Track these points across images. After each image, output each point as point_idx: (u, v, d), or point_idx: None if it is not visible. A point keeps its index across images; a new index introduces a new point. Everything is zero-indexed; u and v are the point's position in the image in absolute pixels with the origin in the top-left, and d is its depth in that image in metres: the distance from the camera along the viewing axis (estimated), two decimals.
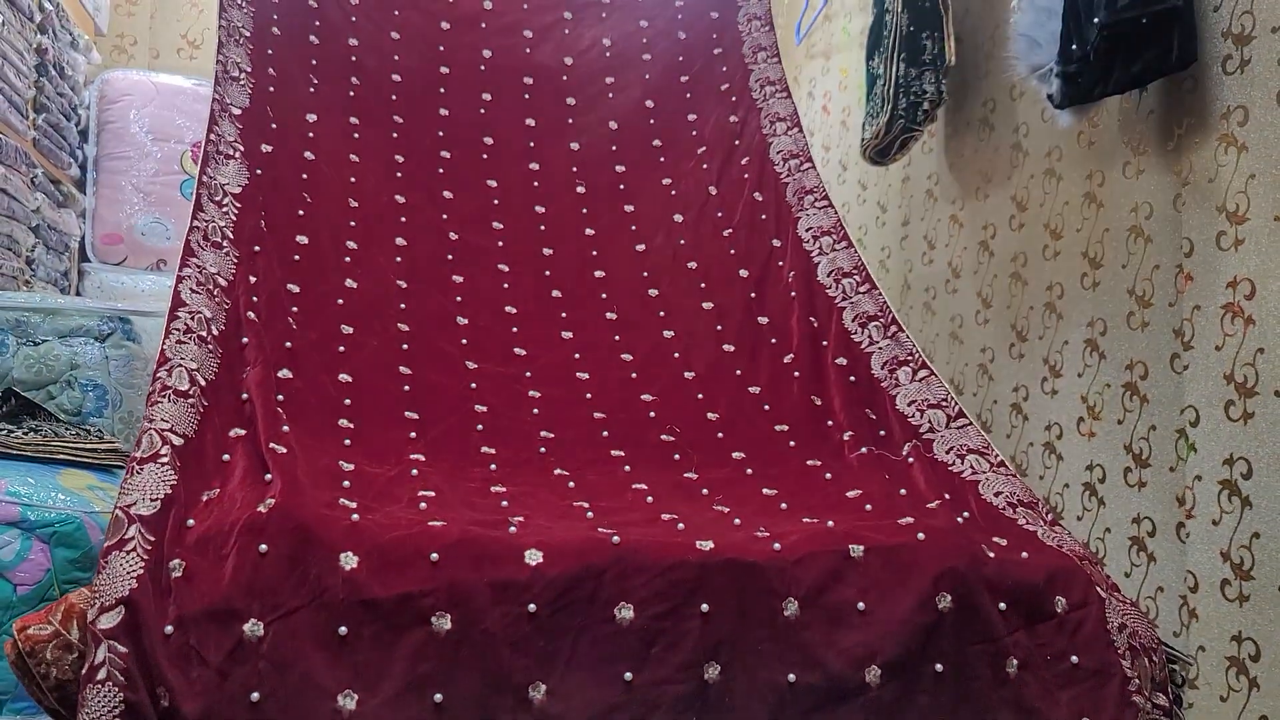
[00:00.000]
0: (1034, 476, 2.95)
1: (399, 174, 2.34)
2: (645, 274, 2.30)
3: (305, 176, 2.18)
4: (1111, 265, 2.56)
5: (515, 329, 2.10)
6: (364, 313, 1.98)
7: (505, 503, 1.58)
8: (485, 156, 2.46)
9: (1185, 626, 2.36)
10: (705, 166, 2.53)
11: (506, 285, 2.18)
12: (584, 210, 2.41)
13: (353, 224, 2.15)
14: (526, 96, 2.61)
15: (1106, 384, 2.59)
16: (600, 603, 1.35)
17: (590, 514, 1.57)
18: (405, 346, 1.98)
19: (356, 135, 2.37)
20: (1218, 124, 2.19)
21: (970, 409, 3.24)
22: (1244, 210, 2.10)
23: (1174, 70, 2.21)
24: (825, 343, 2.08)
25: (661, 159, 2.56)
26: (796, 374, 2.05)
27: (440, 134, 2.47)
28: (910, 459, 1.78)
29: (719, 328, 2.18)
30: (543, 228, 2.35)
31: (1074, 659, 1.45)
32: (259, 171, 2.09)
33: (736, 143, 2.55)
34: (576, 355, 2.09)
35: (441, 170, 2.40)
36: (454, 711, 1.27)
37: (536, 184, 2.45)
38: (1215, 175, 2.19)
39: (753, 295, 2.24)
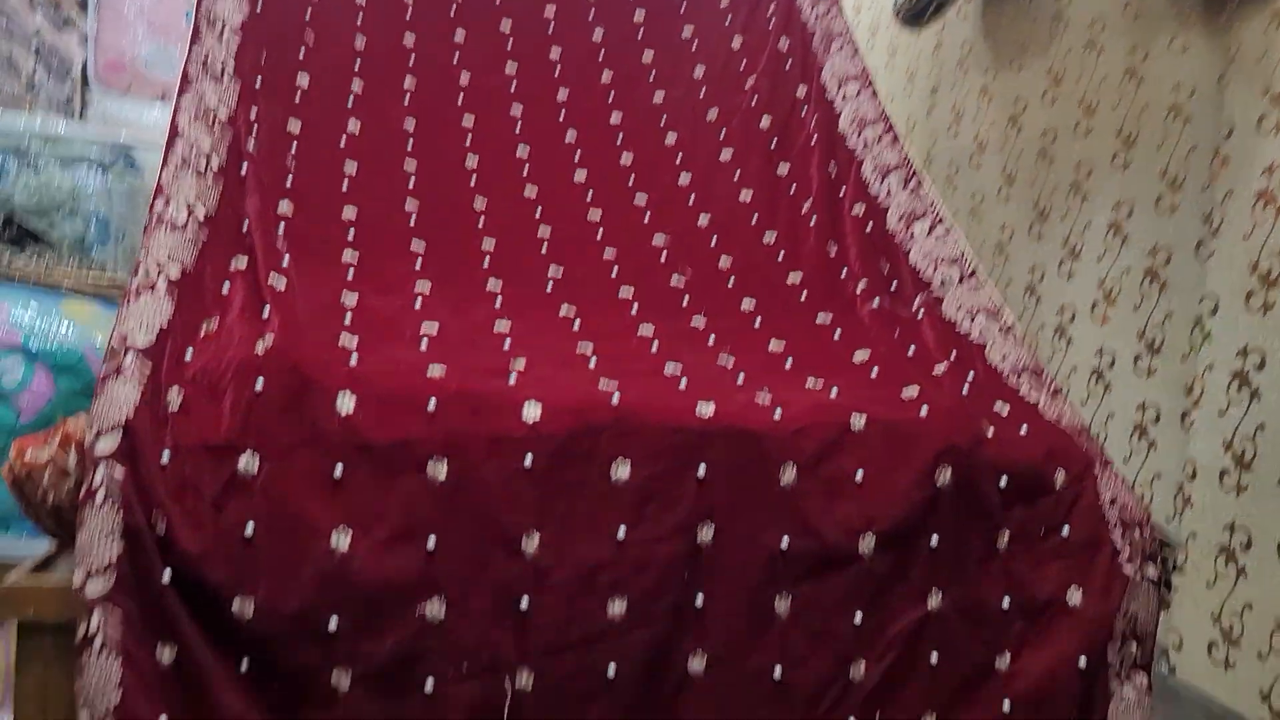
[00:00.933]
0: (1043, 358, 2.93)
1: (408, 15, 2.24)
2: (662, 122, 2.22)
3: (308, 15, 2.09)
4: (1145, 145, 2.47)
5: (526, 169, 2.04)
6: (368, 152, 1.93)
7: (507, 344, 1.55)
8: (498, 1, 2.36)
9: (1178, 513, 2.37)
10: (729, 20, 2.42)
11: (518, 128, 2.11)
12: (600, 56, 2.31)
13: (358, 64, 2.07)
14: None
15: (1127, 268, 2.53)
16: (597, 461, 1.35)
17: (593, 362, 1.54)
18: (412, 184, 1.93)
19: None
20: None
21: None
22: None
23: None
24: (843, 191, 2.01)
25: (682, 10, 2.45)
26: (814, 221, 1.99)
27: None
28: (920, 314, 1.74)
29: (736, 175, 2.12)
30: (558, 72, 2.25)
31: (1065, 532, 1.45)
32: (259, 9, 1.99)
33: None
34: (589, 196, 2.04)
35: (453, 13, 2.30)
36: (446, 557, 1.28)
37: (552, 29, 2.35)
38: (1264, 55, 2.09)
39: (773, 144, 2.16)
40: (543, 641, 1.30)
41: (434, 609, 1.28)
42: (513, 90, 2.20)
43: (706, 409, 1.40)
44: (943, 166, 3.43)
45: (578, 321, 1.71)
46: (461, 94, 2.15)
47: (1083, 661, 1.41)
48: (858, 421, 1.44)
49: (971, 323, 1.74)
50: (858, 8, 4.08)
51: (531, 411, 1.35)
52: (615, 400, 1.39)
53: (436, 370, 1.39)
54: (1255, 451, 2.13)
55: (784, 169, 2.12)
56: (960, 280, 1.80)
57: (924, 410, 1.47)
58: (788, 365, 1.68)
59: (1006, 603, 1.43)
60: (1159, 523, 1.54)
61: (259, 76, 1.87)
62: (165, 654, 1.20)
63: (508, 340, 1.58)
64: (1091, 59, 2.70)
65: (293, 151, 1.84)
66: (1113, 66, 2.61)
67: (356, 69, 2.07)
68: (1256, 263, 2.08)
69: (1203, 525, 2.29)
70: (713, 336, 1.74)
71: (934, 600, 1.41)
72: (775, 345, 1.73)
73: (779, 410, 1.44)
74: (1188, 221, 2.32)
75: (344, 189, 1.85)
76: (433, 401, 1.32)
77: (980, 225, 3.23)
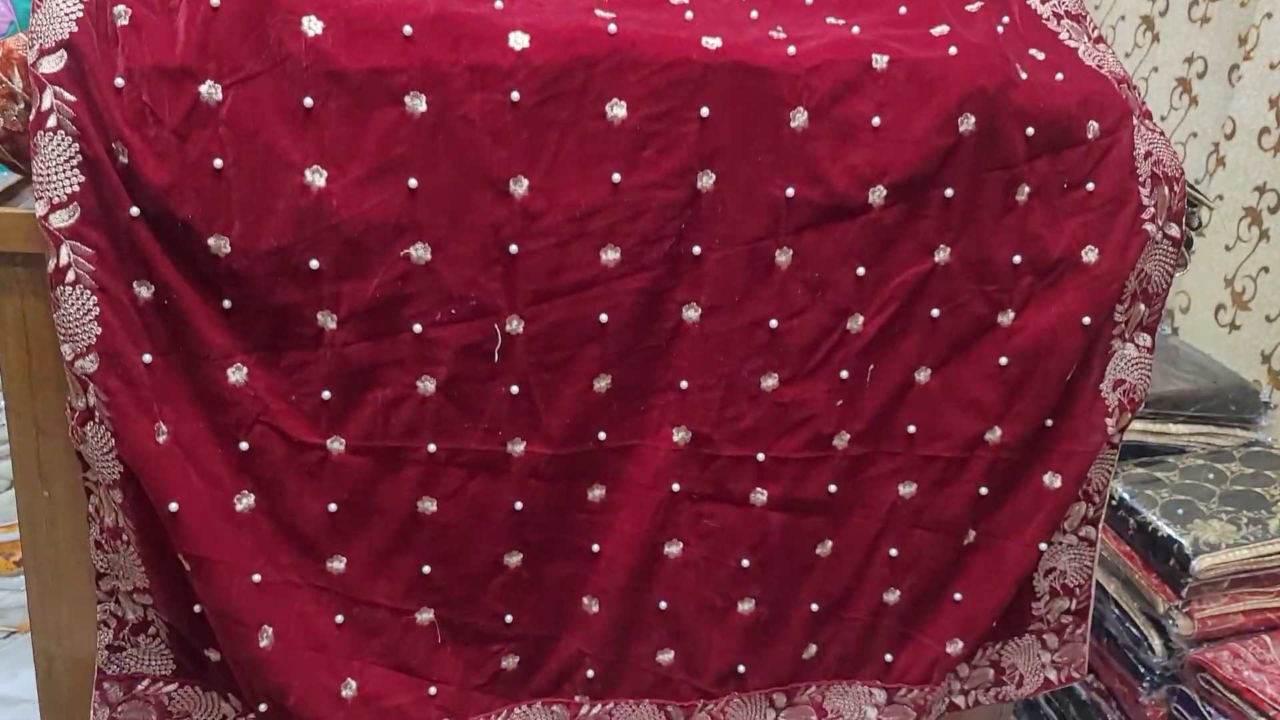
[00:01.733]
0: (1089, 4, 2.70)
1: None
2: None
3: None
4: None
5: None
6: None
7: None
8: None
9: (1209, 174, 2.27)
10: None
11: None
12: None
13: None
14: None
15: None
16: (591, 97, 1.23)
17: None
18: None
19: None
20: None
21: None
22: None
23: None
24: None
25: None
26: None
27: None
28: None
29: None
30: None
31: (1090, 186, 1.36)
32: None
33: None
34: None
35: None
36: (428, 197, 1.21)
37: None
38: None
39: None
40: (533, 287, 1.26)
41: (419, 251, 1.23)
42: None
43: (712, 42, 1.27)
44: None
45: None
46: None
47: (1087, 319, 1.38)
48: (879, 60, 1.31)
49: None
50: None
51: (519, 40, 1.22)
52: (612, 29, 1.25)
53: None
54: None
55: None
56: None
57: (952, 49, 1.33)
58: (808, 2, 1.51)
59: (1018, 259, 1.37)
60: (1190, 181, 1.45)
61: None
62: (143, 291, 1.17)
63: None
64: None
65: None
66: None
67: None
68: None
69: (1231, 186, 2.19)
70: None
71: (941, 254, 1.35)
72: None
73: (793, 46, 1.30)
74: None
75: None
76: (408, 27, 1.19)
77: None
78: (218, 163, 1.15)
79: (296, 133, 1.17)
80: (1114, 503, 1.89)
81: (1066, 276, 1.38)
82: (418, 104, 1.20)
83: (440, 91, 1.20)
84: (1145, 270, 1.40)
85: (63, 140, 1.11)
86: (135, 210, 1.14)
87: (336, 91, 1.18)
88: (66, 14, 1.12)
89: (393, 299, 1.24)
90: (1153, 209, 1.37)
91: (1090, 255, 1.38)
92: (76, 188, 1.12)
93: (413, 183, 1.20)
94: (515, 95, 1.21)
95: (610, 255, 1.27)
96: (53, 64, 1.11)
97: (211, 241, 1.17)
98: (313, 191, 1.18)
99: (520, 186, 1.24)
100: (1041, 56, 1.40)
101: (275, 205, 1.17)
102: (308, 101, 1.17)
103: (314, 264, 1.20)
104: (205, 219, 1.16)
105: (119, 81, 1.13)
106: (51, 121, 1.10)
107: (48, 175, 1.11)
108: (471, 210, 1.23)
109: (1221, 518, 1.80)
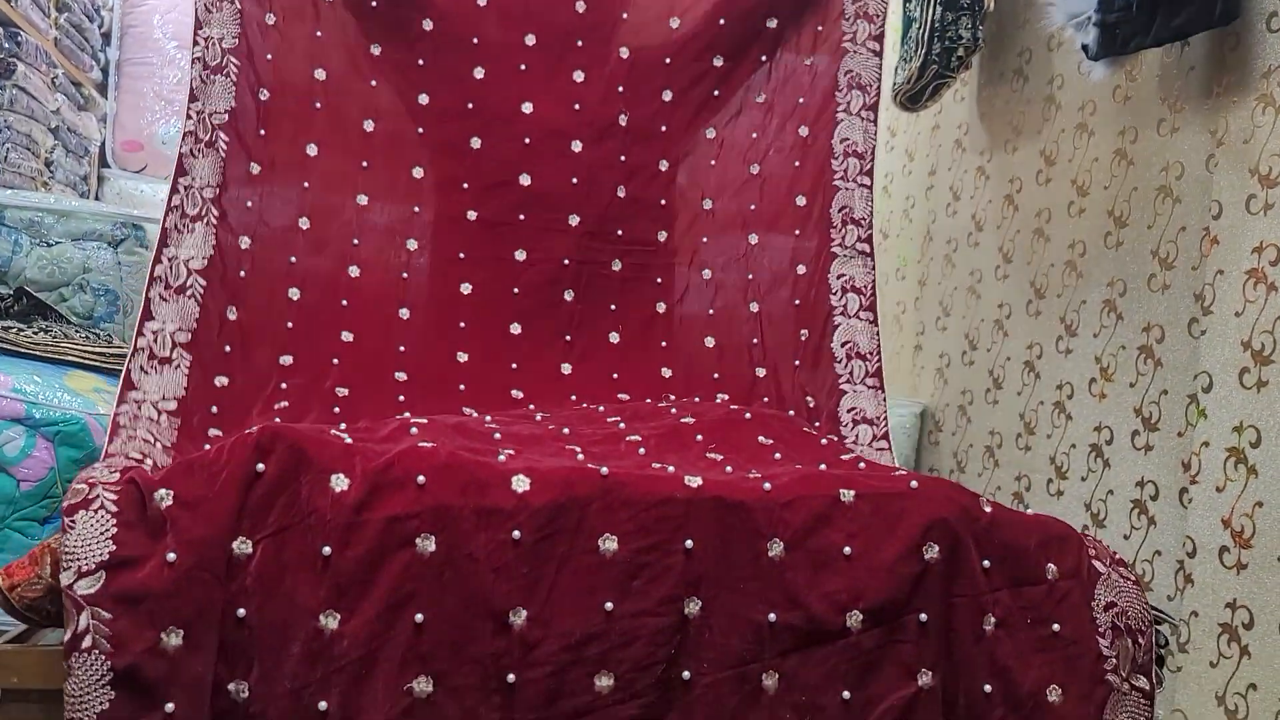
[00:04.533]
0: (1041, 435, 2.93)
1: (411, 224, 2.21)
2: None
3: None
4: (1137, 225, 2.51)
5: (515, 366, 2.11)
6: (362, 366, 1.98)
7: (497, 435, 1.58)
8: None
9: (1180, 591, 2.35)
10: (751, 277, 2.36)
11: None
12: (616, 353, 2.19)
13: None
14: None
15: (1121, 345, 2.55)
16: (585, 533, 1.35)
17: (581, 455, 1.57)
18: (403, 398, 1.94)
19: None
20: (1258, 83, 2.12)
21: (983, 364, 3.21)
22: (1276, 173, 2.05)
23: (1216, 25, 2.14)
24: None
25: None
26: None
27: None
28: None
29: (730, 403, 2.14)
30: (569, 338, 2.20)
31: (1055, 627, 1.44)
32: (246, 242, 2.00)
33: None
34: (572, 395, 2.07)
35: (462, 253, 2.21)
36: (434, 633, 1.28)
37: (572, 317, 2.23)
38: (1251, 136, 2.13)
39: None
40: (530, 716, 1.30)
41: (422, 685, 1.28)
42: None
43: (694, 481, 1.41)
44: (941, 245, 3.48)
45: (566, 429, 1.74)
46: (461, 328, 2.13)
47: None
48: (846, 494, 1.44)
49: None
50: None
51: (520, 483, 1.36)
52: (604, 472, 1.40)
53: (427, 444, 1.40)
54: (1254, 529, 2.12)
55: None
56: None
57: (913, 484, 1.47)
58: (776, 456, 1.69)
59: (989, 688, 1.41)
60: (1164, 604, 1.51)
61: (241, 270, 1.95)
62: None
63: (497, 433, 1.61)
64: (1083, 141, 2.76)
65: (284, 363, 1.91)
66: (1103, 149, 2.66)
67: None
68: (1248, 340, 2.09)
69: (1204, 603, 2.26)
70: (700, 435, 1.76)
71: (924, 678, 1.40)
72: (764, 440, 1.75)
73: (768, 483, 1.45)
74: (1180, 300, 2.34)
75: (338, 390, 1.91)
76: (421, 476, 1.34)
77: (980, 303, 3.25)
78: (240, 613, 1.24)
79: (314, 580, 1.27)
80: None
81: (1036, 715, 1.41)
82: (428, 545, 1.31)
83: (449, 533, 1.31)
84: None
85: (96, 659, 1.17)
86: (170, 707, 1.19)
87: (355, 540, 1.29)
88: (103, 534, 1.22)
89: None
90: (1115, 660, 1.44)
91: (1054, 696, 1.42)
92: (106, 704, 1.17)
93: (419, 618, 1.28)
94: (517, 534, 1.33)
95: (604, 682, 1.32)
96: (90, 585, 1.20)
97: (231, 688, 1.22)
98: (326, 634, 1.25)
99: (519, 618, 1.32)
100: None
101: (290, 649, 1.24)
102: (326, 550, 1.28)
103: (323, 705, 1.24)
104: (228, 667, 1.22)
105: (159, 569, 1.22)
106: (86, 642, 1.17)
107: (79, 697, 1.17)
108: (473, 642, 1.30)
109: None
